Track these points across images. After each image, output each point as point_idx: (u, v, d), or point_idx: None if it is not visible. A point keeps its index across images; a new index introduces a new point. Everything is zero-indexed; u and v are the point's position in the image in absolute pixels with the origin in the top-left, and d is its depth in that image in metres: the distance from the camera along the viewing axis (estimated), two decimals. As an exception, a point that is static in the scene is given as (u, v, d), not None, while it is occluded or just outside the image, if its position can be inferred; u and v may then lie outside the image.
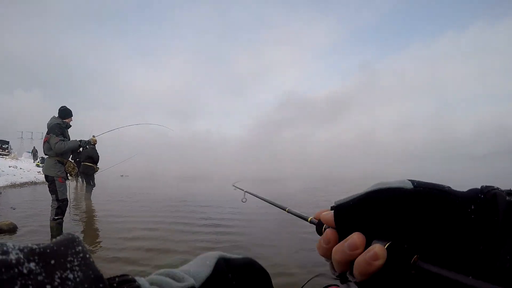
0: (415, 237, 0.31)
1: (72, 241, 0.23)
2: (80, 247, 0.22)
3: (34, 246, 0.21)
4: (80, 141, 5.39)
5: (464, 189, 0.36)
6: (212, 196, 11.72)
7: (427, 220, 0.31)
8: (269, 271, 0.39)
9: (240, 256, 0.38)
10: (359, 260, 0.32)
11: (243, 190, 2.13)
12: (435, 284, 0.29)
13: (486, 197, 0.32)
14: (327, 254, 0.37)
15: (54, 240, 0.22)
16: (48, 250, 0.21)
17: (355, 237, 0.33)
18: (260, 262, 0.39)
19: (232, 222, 6.85)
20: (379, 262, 0.30)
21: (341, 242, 0.34)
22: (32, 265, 0.19)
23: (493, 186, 0.34)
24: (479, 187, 0.35)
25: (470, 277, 0.26)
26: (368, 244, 0.32)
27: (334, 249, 0.35)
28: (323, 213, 0.39)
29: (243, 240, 5.39)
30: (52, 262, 0.20)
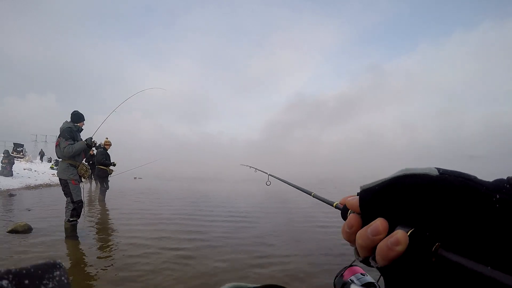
0: (438, 224, 0.30)
1: (52, 266, 0.23)
2: (58, 272, 0.23)
3: (13, 268, 0.22)
4: (86, 139, 5.46)
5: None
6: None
7: (451, 207, 0.30)
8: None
9: (258, 285, 0.36)
10: (381, 245, 0.31)
11: (266, 173, 2.18)
12: (455, 272, 0.28)
13: (511, 186, 0.31)
14: (351, 239, 0.37)
15: (35, 264, 0.23)
16: (24, 271, 0.22)
17: (378, 223, 0.33)
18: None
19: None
20: (401, 248, 0.30)
21: (365, 227, 0.34)
22: (4, 282, 0.20)
23: None
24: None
25: (489, 267, 0.26)
26: (391, 230, 0.32)
27: (357, 233, 0.35)
28: (348, 198, 0.39)
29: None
30: (26, 282, 0.21)
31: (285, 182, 1.52)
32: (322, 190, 16.49)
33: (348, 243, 0.38)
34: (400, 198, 0.33)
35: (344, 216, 0.40)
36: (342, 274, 0.57)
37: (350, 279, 0.48)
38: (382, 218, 0.33)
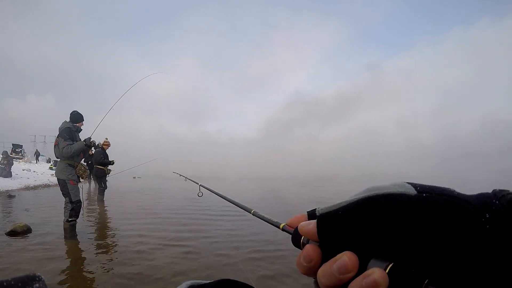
0: (422, 255, 0.25)
1: (32, 279, 0.23)
2: (38, 285, 0.23)
3: None
4: (85, 140, 5.46)
5: (470, 191, 0.30)
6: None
7: (437, 233, 0.25)
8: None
9: (213, 281, 0.33)
10: (353, 286, 0.26)
11: (197, 183, 1.99)
12: None
13: (501, 203, 0.26)
14: (309, 273, 0.31)
15: (15, 276, 0.23)
16: (4, 284, 0.21)
17: (346, 258, 0.27)
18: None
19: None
20: None
21: (329, 263, 0.28)
22: None
23: (508, 190, 0.28)
24: (489, 190, 0.29)
25: None
26: (362, 265, 0.26)
27: (320, 270, 0.29)
28: (301, 223, 0.32)
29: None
30: None
31: (219, 196, 1.37)
32: (320, 188, 16.52)
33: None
34: (372, 225, 0.27)
35: (296, 243, 0.33)
36: None
37: None
38: (350, 252, 0.27)
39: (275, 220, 0.55)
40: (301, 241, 0.32)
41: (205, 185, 1.79)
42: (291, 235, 0.34)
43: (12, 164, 16.42)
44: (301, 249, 0.32)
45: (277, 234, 5.41)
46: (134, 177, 19.37)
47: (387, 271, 0.25)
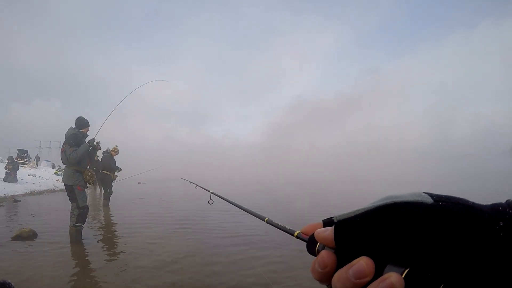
0: (438, 261, 0.26)
1: (2, 286, 0.23)
2: None
3: None
4: (89, 141, 5.52)
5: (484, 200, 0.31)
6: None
7: (451, 240, 0.26)
8: None
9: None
10: None
11: (209, 191, 1.97)
12: None
13: None
14: (323, 279, 0.31)
15: None
16: None
17: (363, 263, 0.27)
18: None
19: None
20: None
21: (345, 268, 0.28)
22: None
23: None
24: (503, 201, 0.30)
25: None
26: (378, 271, 0.27)
27: (336, 276, 0.29)
28: (318, 230, 0.33)
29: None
30: None
31: (231, 203, 1.36)
32: (324, 192, 16.40)
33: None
34: (389, 231, 0.28)
35: (311, 250, 0.34)
36: None
37: None
38: (367, 257, 0.28)
39: (290, 228, 0.55)
40: (316, 247, 0.33)
41: (217, 193, 1.78)
42: (306, 242, 0.35)
43: (18, 169, 16.53)
44: (316, 256, 0.32)
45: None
46: (139, 183, 19.41)
47: (403, 276, 0.25)
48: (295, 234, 0.47)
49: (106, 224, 7.39)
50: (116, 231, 6.68)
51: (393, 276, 0.25)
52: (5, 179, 15.34)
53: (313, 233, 0.34)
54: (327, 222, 0.34)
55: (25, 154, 31.80)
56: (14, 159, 18.52)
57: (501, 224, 0.26)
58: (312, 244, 0.34)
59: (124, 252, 4.98)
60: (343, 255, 0.30)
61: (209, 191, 1.96)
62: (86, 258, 4.72)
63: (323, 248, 0.32)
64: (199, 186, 2.76)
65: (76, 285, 3.70)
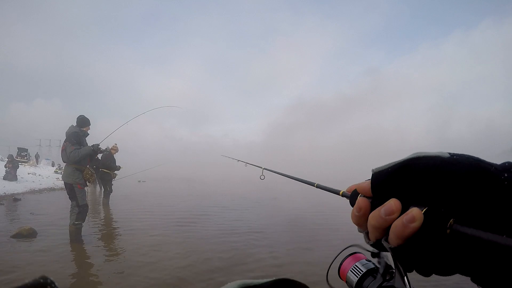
0: (450, 203, 0.31)
1: (43, 286, 0.23)
2: None
3: None
4: (93, 145, 5.50)
5: None
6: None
7: (463, 186, 0.31)
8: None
9: (268, 280, 0.31)
10: (396, 223, 0.32)
11: (261, 167, 2.14)
12: (470, 245, 0.29)
13: None
14: (360, 223, 0.37)
15: (27, 281, 0.23)
16: None
17: (392, 203, 0.33)
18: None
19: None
20: (416, 224, 0.30)
21: (378, 209, 0.34)
22: None
23: None
24: None
25: (504, 236, 0.27)
26: (404, 210, 0.32)
27: (371, 215, 0.35)
28: (359, 183, 0.39)
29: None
30: None
31: (284, 175, 1.48)
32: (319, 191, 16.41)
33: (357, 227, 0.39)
34: (413, 179, 0.33)
35: (353, 202, 0.40)
36: (342, 263, 0.50)
37: (355, 265, 0.47)
38: (395, 199, 0.33)
39: (335, 189, 0.65)
40: (357, 198, 0.38)
41: (269, 168, 1.98)
42: (348, 198, 0.42)
43: (18, 167, 16.52)
44: None
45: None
46: (139, 181, 19.39)
47: (423, 212, 0.31)
48: (340, 193, 0.55)
49: (106, 222, 7.39)
50: (116, 229, 6.68)
51: (414, 210, 0.31)
52: (5, 178, 15.33)
53: (355, 189, 0.40)
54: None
55: (25, 153, 31.81)
56: (14, 157, 18.50)
57: (506, 175, 0.31)
58: (354, 196, 0.40)
59: (124, 250, 4.98)
60: (376, 201, 0.35)
61: (261, 168, 2.12)
62: (86, 256, 4.72)
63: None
64: (250, 164, 3.00)
65: (75, 283, 3.70)
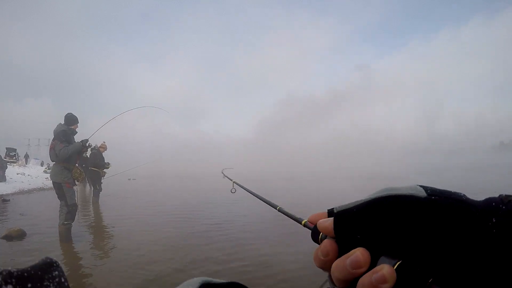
0: (428, 255, 0.27)
1: (50, 265, 0.24)
2: (57, 272, 0.24)
3: (13, 270, 0.22)
4: (82, 141, 5.43)
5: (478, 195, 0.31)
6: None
7: (442, 235, 0.27)
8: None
9: (225, 281, 0.33)
10: (363, 282, 0.27)
11: (231, 180, 2.07)
12: None
13: (508, 208, 0.27)
14: (325, 267, 0.32)
15: (33, 264, 0.24)
16: (25, 274, 0.22)
17: (359, 253, 0.28)
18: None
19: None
20: (387, 286, 0.26)
21: (342, 257, 0.30)
22: (9, 287, 0.21)
23: None
24: (496, 195, 0.29)
25: None
26: (373, 261, 0.28)
27: (334, 264, 0.30)
28: (320, 220, 0.34)
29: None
30: (29, 285, 0.22)
31: (250, 193, 1.42)
32: (311, 186, 16.54)
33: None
34: (383, 223, 0.29)
35: (315, 238, 0.35)
36: None
37: None
38: (363, 248, 0.29)
39: (298, 217, 0.58)
40: (320, 236, 0.34)
41: (239, 183, 1.88)
42: (310, 231, 0.37)
43: (6, 168, 16.22)
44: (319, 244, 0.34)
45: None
46: (129, 179, 19.24)
47: (395, 267, 0.26)
48: (303, 222, 0.49)
49: (96, 221, 7.35)
50: (106, 228, 6.65)
51: (385, 268, 0.26)
52: (-7, 179, 15.06)
53: (316, 225, 0.35)
54: (330, 212, 0.34)
55: (14, 153, 31.18)
56: (3, 158, 18.15)
57: (494, 220, 0.26)
58: (316, 233, 0.35)
59: (115, 248, 4.96)
60: (342, 244, 0.31)
61: (231, 180, 2.07)
62: (76, 255, 4.70)
63: (325, 237, 0.33)
64: (226, 176, 2.96)
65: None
